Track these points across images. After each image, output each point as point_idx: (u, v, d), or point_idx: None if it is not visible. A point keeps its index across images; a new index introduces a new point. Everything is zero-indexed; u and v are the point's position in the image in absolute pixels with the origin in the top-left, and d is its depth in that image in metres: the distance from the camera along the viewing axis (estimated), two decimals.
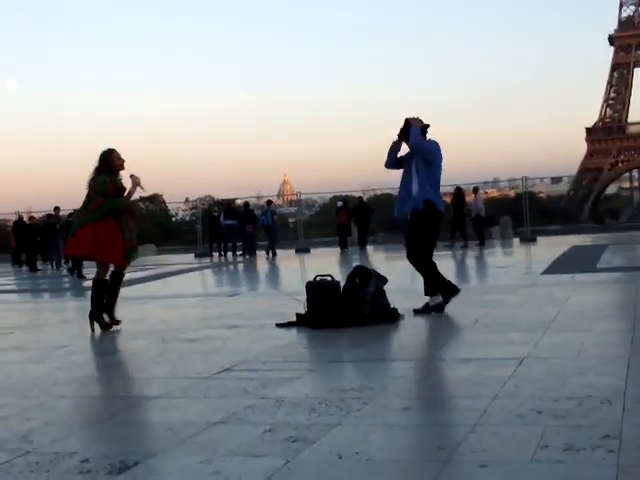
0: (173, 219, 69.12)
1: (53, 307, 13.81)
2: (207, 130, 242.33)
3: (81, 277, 19.35)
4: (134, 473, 3.63)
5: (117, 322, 9.01)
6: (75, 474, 3.66)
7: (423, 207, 8.77)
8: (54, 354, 7.46)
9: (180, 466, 3.71)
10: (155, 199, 71.70)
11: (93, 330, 8.87)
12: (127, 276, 18.35)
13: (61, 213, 27.56)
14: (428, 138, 8.96)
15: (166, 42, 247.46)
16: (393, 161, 9.06)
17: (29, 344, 8.27)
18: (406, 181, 8.96)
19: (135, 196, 9.17)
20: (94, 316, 8.96)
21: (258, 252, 28.10)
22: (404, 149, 9.02)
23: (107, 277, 9.14)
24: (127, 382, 5.98)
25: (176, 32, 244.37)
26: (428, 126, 8.95)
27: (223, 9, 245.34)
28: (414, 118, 8.89)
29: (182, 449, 3.97)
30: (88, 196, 8.96)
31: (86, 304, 13.37)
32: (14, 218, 29.29)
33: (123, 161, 9.05)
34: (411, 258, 8.96)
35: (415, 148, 8.79)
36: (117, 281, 9.19)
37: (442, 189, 9.67)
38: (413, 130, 8.75)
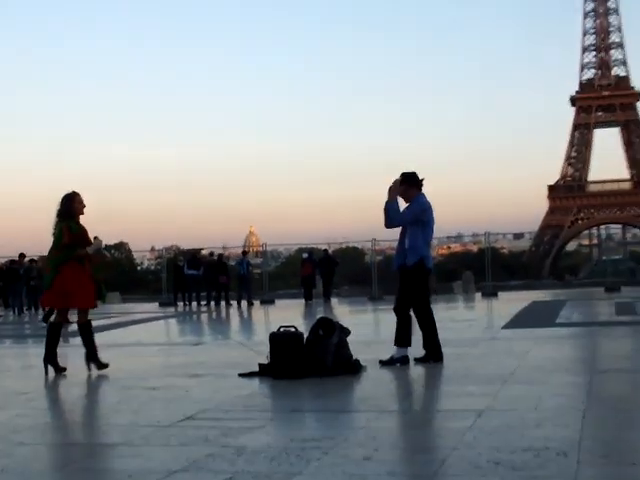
0: (138, 267, 68.89)
1: (15, 353, 13.62)
2: (174, 179, 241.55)
3: (46, 321, 19.19)
4: None
5: (105, 365, 9.08)
6: None
7: (412, 264, 8.81)
8: (14, 400, 7.36)
9: None
10: (121, 247, 71.49)
11: (47, 374, 8.93)
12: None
13: (25, 260, 27.31)
14: (423, 193, 9.00)
15: (133, 90, 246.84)
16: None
17: None
18: (401, 237, 9.02)
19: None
20: (48, 359, 9.04)
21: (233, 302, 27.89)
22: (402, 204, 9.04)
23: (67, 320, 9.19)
24: (87, 429, 5.91)
25: (144, 80, 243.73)
26: (423, 180, 9.00)
27: (197, 60, 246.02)
28: (410, 173, 8.93)
29: None
30: (52, 242, 9.03)
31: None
32: None
33: (84, 206, 9.10)
34: (397, 310, 8.99)
35: (404, 223, 8.87)
36: (87, 330, 9.20)
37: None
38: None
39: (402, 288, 9.00)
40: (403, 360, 8.73)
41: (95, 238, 9.10)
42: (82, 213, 9.11)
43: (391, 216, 8.81)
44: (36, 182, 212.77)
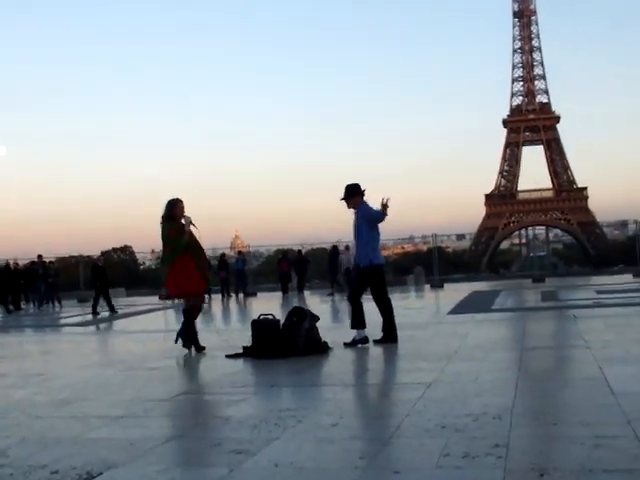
0: (141, 267, 68.33)
1: (34, 340, 13.46)
2: (168, 191, 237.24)
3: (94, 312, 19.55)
4: None
5: (203, 348, 9.04)
6: None
7: (364, 266, 8.90)
8: (33, 381, 7.27)
9: (139, 475, 3.63)
10: (126, 250, 71.04)
11: (190, 352, 8.91)
12: (100, 315, 18.05)
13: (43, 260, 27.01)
14: (365, 201, 9.00)
15: (125, 103, 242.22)
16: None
17: (12, 372, 8.04)
18: (355, 241, 9.14)
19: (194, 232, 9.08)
20: (190, 340, 9.03)
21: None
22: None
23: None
24: (97, 404, 5.83)
25: (136, 92, 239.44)
26: (365, 190, 9.02)
27: (177, 73, 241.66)
28: (354, 185, 8.97)
29: (142, 460, 3.89)
30: (163, 244, 9.10)
31: (62, 337, 13.10)
32: (2, 265, 28.56)
33: (183, 211, 9.02)
34: (350, 299, 9.05)
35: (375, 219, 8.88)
36: (189, 316, 9.19)
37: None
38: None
39: (355, 282, 9.07)
40: (363, 340, 8.73)
41: (184, 217, 9.00)
42: (182, 217, 8.99)
43: (379, 217, 8.85)
44: (50, 194, 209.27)
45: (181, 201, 9.06)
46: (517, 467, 3.39)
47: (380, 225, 9.01)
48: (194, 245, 8.99)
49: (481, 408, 4.74)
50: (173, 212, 8.99)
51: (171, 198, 9.08)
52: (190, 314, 9.15)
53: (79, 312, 20.10)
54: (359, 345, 8.67)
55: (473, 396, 5.23)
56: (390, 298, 9.09)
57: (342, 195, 8.99)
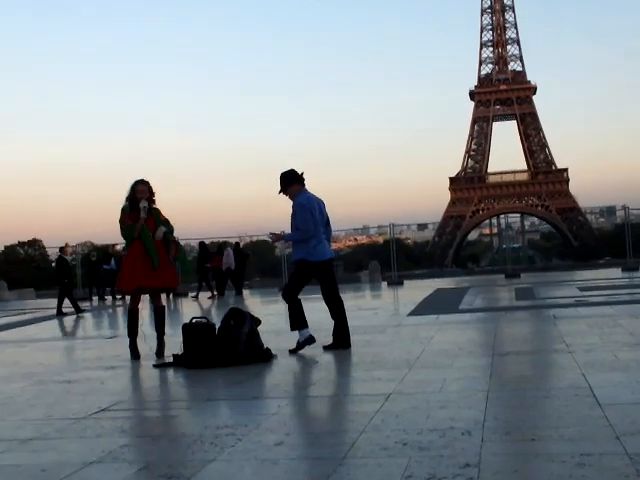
0: (53, 264, 67.50)
1: None
2: (86, 177, 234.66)
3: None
4: None
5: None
6: None
7: (294, 261, 9.09)
8: None
9: None
10: (34, 244, 70.03)
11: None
12: (4, 320, 17.76)
13: None
14: (305, 189, 9.04)
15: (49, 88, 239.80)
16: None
17: None
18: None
19: None
20: (130, 344, 9.26)
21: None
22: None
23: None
24: (0, 425, 5.75)
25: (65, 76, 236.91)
26: (302, 174, 9.03)
27: (104, 59, 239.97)
28: (287, 172, 8.97)
29: None
30: None
31: None
32: None
33: (146, 193, 9.06)
34: (285, 297, 9.07)
35: (309, 232, 8.90)
36: (156, 315, 9.38)
37: None
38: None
39: (292, 277, 9.23)
40: (309, 340, 8.77)
41: (141, 201, 9.07)
42: (142, 197, 9.02)
43: (298, 238, 8.97)
44: None
45: (144, 182, 9.11)
46: None
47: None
48: (147, 235, 8.98)
49: (448, 422, 4.80)
50: (132, 194, 9.05)
51: (134, 180, 9.17)
52: (130, 315, 9.33)
53: None
54: (306, 346, 8.72)
55: (438, 409, 5.29)
56: (342, 299, 9.14)
57: (279, 188, 9.00)
